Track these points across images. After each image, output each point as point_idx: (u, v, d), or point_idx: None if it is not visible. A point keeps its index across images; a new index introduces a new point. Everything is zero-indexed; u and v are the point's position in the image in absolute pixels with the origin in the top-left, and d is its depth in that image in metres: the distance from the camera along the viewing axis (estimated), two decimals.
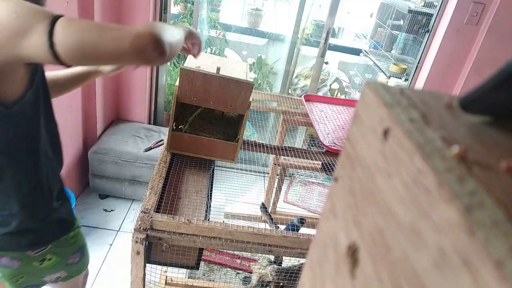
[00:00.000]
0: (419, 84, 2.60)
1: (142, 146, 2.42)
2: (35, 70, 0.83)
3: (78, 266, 1.18)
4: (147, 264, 1.06)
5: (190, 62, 1.26)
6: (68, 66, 0.76)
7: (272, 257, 1.53)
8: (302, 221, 1.49)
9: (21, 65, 0.78)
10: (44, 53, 0.71)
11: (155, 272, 1.21)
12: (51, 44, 0.70)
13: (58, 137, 1.01)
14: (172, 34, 0.82)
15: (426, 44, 2.50)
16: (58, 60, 0.72)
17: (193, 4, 2.77)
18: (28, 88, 0.82)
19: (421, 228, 0.13)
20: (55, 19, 0.71)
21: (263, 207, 1.66)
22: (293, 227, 1.48)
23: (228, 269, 2.08)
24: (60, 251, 1.06)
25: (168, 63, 2.87)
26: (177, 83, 1.20)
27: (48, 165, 0.96)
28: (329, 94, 3.37)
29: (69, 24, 0.71)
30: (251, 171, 2.70)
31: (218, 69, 1.22)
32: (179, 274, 1.84)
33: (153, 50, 0.73)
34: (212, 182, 1.34)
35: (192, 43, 1.04)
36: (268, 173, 2.30)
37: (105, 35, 0.71)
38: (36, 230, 0.98)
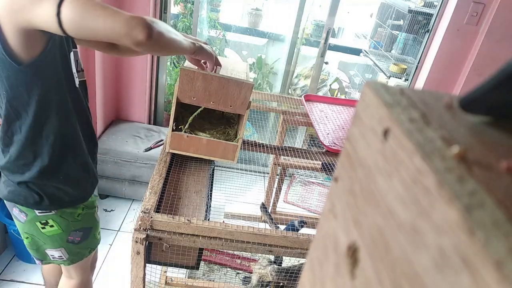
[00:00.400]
0: (419, 84, 2.60)
1: (142, 146, 2.42)
2: (49, 38, 0.93)
3: (79, 248, 1.22)
4: (147, 264, 1.06)
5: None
6: (70, 36, 0.87)
7: (272, 257, 1.53)
8: (302, 224, 1.48)
9: (35, 31, 0.88)
10: (51, 20, 0.81)
11: (155, 272, 1.21)
12: (58, 12, 0.81)
13: (88, 117, 1.16)
14: (169, 31, 0.92)
15: (426, 44, 2.50)
16: (62, 28, 0.83)
17: (193, 4, 2.77)
18: (42, 51, 0.92)
19: (421, 228, 0.13)
20: None
21: (263, 207, 1.66)
22: (293, 228, 1.48)
23: (228, 269, 2.08)
24: (63, 222, 1.13)
25: (168, 63, 2.87)
26: (177, 83, 1.20)
27: (74, 134, 1.09)
28: (329, 94, 3.37)
29: None
30: (251, 171, 2.70)
31: (218, 69, 1.22)
32: (179, 274, 1.84)
33: (141, 32, 0.83)
34: (212, 182, 1.34)
35: (204, 60, 1.16)
36: (268, 173, 2.30)
37: (106, 11, 0.83)
38: (44, 191, 1.07)
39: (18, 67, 0.89)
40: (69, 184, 1.11)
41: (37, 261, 1.23)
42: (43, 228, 1.12)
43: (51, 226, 1.12)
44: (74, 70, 1.04)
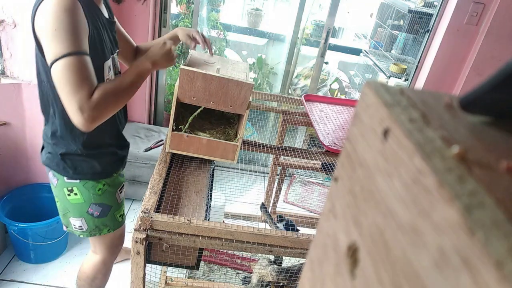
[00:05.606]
0: (419, 84, 2.60)
1: (142, 146, 2.42)
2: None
3: (97, 223, 1.32)
4: (147, 264, 1.06)
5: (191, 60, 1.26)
6: None
7: (272, 257, 1.53)
8: (288, 226, 1.45)
9: None
10: (49, 63, 0.97)
11: (155, 272, 1.21)
12: (51, 65, 0.96)
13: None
14: (113, 93, 1.02)
15: (426, 44, 2.50)
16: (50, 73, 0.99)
17: (193, 4, 2.77)
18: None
19: (421, 228, 0.13)
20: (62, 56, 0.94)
21: (263, 207, 1.66)
22: (292, 226, 1.48)
23: (228, 269, 2.08)
24: (85, 192, 1.25)
25: None
26: (177, 83, 1.20)
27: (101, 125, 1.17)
28: (329, 94, 3.37)
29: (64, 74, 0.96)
30: (251, 171, 2.70)
31: (218, 69, 1.22)
32: (179, 274, 1.84)
33: (78, 124, 0.98)
34: (212, 182, 1.34)
35: (193, 39, 1.35)
36: (268, 173, 2.30)
37: (70, 88, 0.97)
38: (71, 161, 1.20)
39: (49, 68, 1.00)
40: (94, 159, 1.23)
41: (64, 227, 1.36)
42: (69, 195, 1.25)
43: (75, 194, 1.25)
44: (107, 75, 1.15)
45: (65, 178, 1.22)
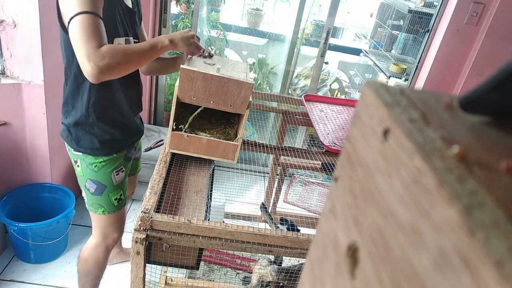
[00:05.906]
0: (419, 84, 2.60)
1: (142, 146, 2.42)
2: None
3: (93, 200, 1.37)
4: (147, 264, 1.06)
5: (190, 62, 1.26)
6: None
7: (272, 257, 1.53)
8: (289, 226, 1.45)
9: None
10: (65, 22, 1.06)
11: (155, 272, 1.21)
12: (68, 23, 1.03)
13: (132, 83, 1.36)
14: (123, 52, 1.07)
15: (426, 44, 2.50)
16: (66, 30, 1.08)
17: (193, 4, 2.77)
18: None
19: (421, 228, 0.13)
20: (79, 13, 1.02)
21: (263, 207, 1.66)
22: (292, 226, 1.48)
23: (228, 269, 2.08)
24: (84, 166, 1.33)
25: None
26: (177, 83, 1.20)
27: (110, 96, 1.27)
28: (329, 94, 3.37)
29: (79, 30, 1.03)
30: (251, 171, 2.70)
31: (218, 69, 1.22)
32: (179, 274, 1.84)
33: (88, 75, 1.04)
34: (212, 182, 1.34)
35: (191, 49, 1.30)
36: (268, 173, 2.30)
37: (83, 40, 1.03)
38: (76, 133, 1.28)
39: (66, 36, 1.09)
40: (95, 136, 1.29)
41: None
42: (75, 164, 1.35)
43: (78, 166, 1.34)
44: None
45: (72, 149, 1.32)
